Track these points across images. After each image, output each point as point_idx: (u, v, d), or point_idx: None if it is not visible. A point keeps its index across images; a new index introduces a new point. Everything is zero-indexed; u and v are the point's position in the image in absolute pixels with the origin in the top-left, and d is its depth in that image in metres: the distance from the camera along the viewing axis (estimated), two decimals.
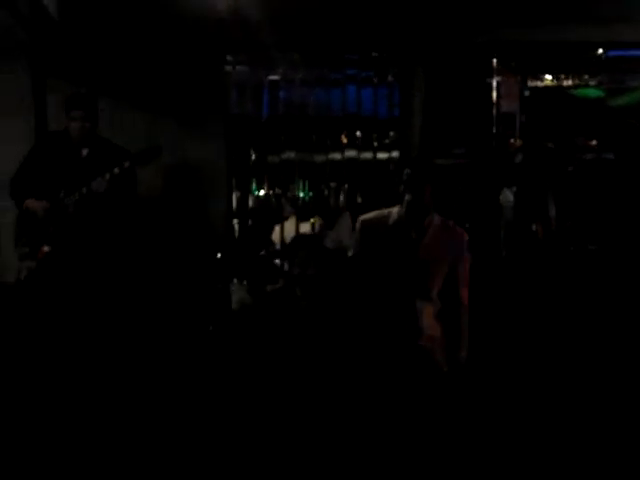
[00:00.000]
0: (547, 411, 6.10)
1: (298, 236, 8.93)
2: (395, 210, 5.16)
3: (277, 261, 8.79)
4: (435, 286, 5.12)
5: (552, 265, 7.70)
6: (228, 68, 9.11)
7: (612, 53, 9.19)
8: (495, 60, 9.17)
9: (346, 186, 9.52)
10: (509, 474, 5.36)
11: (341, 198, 9.54)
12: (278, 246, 9.21)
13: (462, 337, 5.14)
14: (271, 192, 9.56)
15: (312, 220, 9.31)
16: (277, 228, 9.23)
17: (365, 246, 5.19)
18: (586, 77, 9.53)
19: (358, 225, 5.24)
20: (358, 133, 9.48)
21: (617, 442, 5.64)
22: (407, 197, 5.04)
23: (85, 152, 6.97)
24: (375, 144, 9.48)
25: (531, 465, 5.42)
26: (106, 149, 7.04)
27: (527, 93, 9.43)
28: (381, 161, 9.45)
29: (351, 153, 9.50)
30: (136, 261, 7.55)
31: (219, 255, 8.23)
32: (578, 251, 7.93)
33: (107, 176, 6.70)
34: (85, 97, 7.09)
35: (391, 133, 9.45)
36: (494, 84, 9.25)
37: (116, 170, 6.71)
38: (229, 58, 9.08)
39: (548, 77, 9.49)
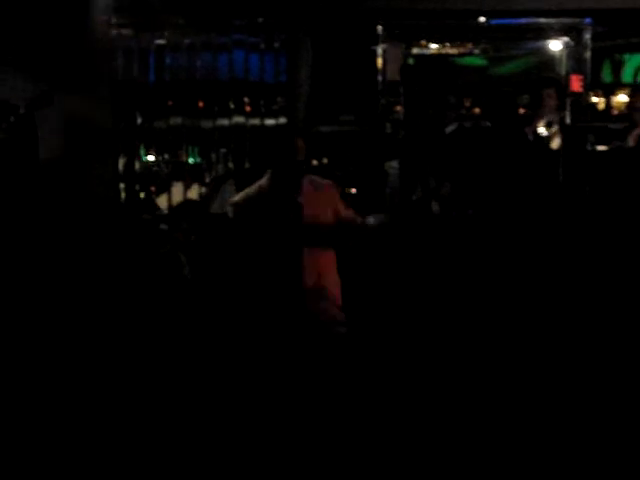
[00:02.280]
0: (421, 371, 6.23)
1: (184, 202, 8.90)
2: (263, 181, 5.18)
3: (163, 226, 8.75)
4: (325, 240, 5.17)
5: (433, 230, 7.84)
6: (113, 31, 8.98)
7: (495, 22, 9.35)
8: (380, 27, 9.25)
9: (234, 152, 9.50)
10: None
11: (229, 164, 9.52)
12: (165, 211, 9.17)
13: None
14: (159, 157, 9.48)
15: (198, 186, 9.29)
16: (164, 195, 9.19)
17: (244, 224, 5.19)
18: (470, 45, 9.67)
19: (230, 209, 5.24)
20: (245, 99, 9.46)
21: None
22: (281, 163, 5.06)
23: None
24: (263, 110, 9.48)
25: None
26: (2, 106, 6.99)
27: (411, 61, 9.54)
28: (269, 127, 9.45)
29: (239, 119, 9.48)
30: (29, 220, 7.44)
31: None
32: (458, 217, 8.08)
33: (3, 125, 6.62)
34: None
35: (279, 99, 9.46)
36: (379, 52, 9.34)
37: (12, 118, 6.65)
38: (114, 21, 8.94)
39: (433, 45, 9.61)
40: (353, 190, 7.70)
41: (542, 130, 7.52)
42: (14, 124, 6.67)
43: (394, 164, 8.93)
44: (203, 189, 9.26)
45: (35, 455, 5.22)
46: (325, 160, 9.09)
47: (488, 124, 8.52)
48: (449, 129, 8.39)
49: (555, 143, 7.72)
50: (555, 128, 7.76)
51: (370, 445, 5.24)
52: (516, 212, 7.75)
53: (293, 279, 5.09)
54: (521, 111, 8.79)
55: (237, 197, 5.31)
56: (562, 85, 8.49)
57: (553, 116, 7.82)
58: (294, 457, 4.90)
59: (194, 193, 9.29)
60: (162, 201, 9.18)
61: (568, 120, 8.78)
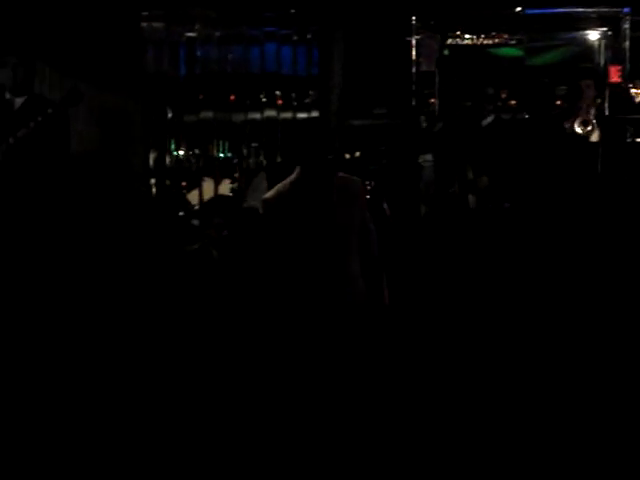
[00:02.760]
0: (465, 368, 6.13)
1: (216, 197, 8.82)
2: (293, 177, 5.08)
3: (195, 222, 8.68)
4: (353, 242, 5.09)
5: (470, 223, 7.73)
6: (144, 25, 8.91)
7: (531, 11, 9.19)
8: (414, 18, 9.12)
9: (266, 146, 9.40)
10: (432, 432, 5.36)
11: (261, 158, 9.43)
12: (197, 207, 9.10)
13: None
14: (190, 152, 9.40)
15: (230, 181, 9.21)
16: (195, 190, 9.12)
17: (276, 221, 5.11)
18: (505, 36, 9.52)
19: (263, 206, 5.15)
20: (277, 92, 9.36)
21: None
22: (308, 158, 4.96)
23: (18, 102, 6.87)
24: (295, 103, 9.37)
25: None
26: (37, 100, 6.96)
27: (446, 52, 9.40)
28: (301, 120, 9.35)
29: (270, 112, 9.38)
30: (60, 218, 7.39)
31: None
32: (495, 209, 7.96)
33: (31, 124, 6.65)
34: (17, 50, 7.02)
35: (311, 92, 9.35)
36: (413, 43, 9.21)
37: (39, 118, 6.65)
38: (145, 14, 8.87)
39: (467, 36, 9.46)
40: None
41: (579, 130, 7.38)
42: (47, 118, 6.67)
43: (428, 157, 8.81)
44: (234, 184, 9.17)
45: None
46: (358, 154, 8.96)
47: (526, 116, 8.37)
48: (486, 121, 8.25)
49: (594, 136, 7.57)
50: (593, 122, 7.60)
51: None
52: (553, 204, 7.62)
53: (322, 275, 5.01)
54: (559, 102, 8.66)
55: (268, 194, 5.20)
56: (600, 76, 8.32)
57: (592, 108, 7.67)
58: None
59: (225, 188, 9.21)
60: (193, 196, 9.11)
61: (607, 112, 8.62)
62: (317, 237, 4.96)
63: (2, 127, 6.76)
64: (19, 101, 6.93)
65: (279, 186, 5.13)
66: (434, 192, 8.26)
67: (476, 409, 5.56)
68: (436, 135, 8.38)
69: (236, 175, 9.21)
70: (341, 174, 5.15)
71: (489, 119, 8.05)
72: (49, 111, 6.72)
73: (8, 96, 6.85)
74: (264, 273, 5.22)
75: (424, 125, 8.95)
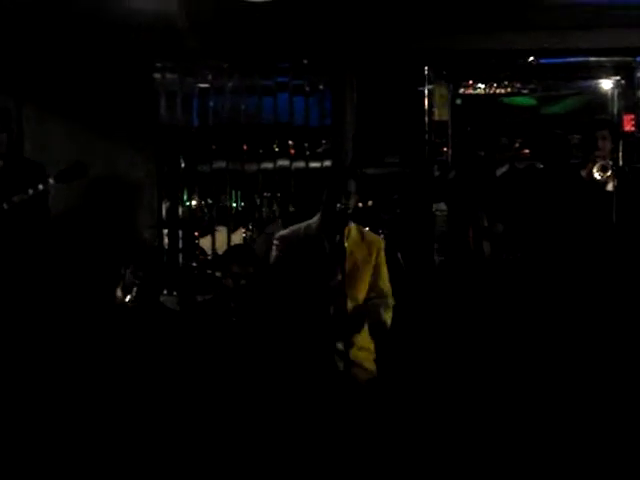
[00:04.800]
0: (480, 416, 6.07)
1: (232, 247, 8.79)
2: (313, 222, 5.09)
3: (209, 272, 8.65)
4: (361, 293, 5.08)
5: (484, 272, 7.67)
6: (157, 76, 8.96)
7: (544, 61, 9.20)
8: (427, 68, 9.14)
9: (279, 195, 9.40)
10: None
11: (274, 208, 9.42)
12: (210, 256, 9.08)
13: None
14: (202, 202, 9.41)
15: (244, 230, 9.21)
16: (208, 238, 9.09)
17: (287, 262, 5.11)
18: (518, 85, 9.53)
19: (277, 242, 5.15)
20: (290, 142, 9.37)
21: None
22: (334, 204, 4.96)
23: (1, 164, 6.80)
24: (307, 153, 9.38)
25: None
26: (20, 163, 6.91)
27: (459, 101, 9.40)
28: (314, 170, 9.35)
29: (283, 162, 9.38)
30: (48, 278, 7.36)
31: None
32: (509, 259, 7.92)
33: (30, 192, 6.58)
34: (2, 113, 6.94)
35: (323, 142, 9.36)
36: (426, 92, 9.22)
37: (40, 187, 6.62)
38: (158, 65, 8.92)
39: (480, 85, 9.47)
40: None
41: (597, 175, 7.33)
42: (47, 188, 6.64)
43: (442, 206, 8.79)
44: (248, 233, 9.16)
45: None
46: (370, 203, 8.95)
47: (540, 165, 8.34)
48: (500, 171, 8.22)
49: (611, 185, 7.53)
50: (610, 171, 7.57)
51: None
52: (568, 255, 7.57)
53: (334, 322, 5.00)
54: (574, 152, 8.64)
55: (284, 231, 5.21)
56: (614, 125, 8.29)
57: (608, 158, 7.65)
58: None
59: (238, 237, 9.20)
60: (206, 245, 9.09)
61: (620, 161, 8.60)
62: (320, 279, 4.96)
63: None
64: None
65: (297, 226, 5.16)
66: (448, 241, 8.22)
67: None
68: (449, 183, 8.35)
69: (249, 225, 9.21)
70: (365, 229, 5.16)
71: (504, 169, 8.02)
72: (51, 181, 6.66)
73: None
74: (278, 317, 5.21)
75: (437, 174, 8.94)
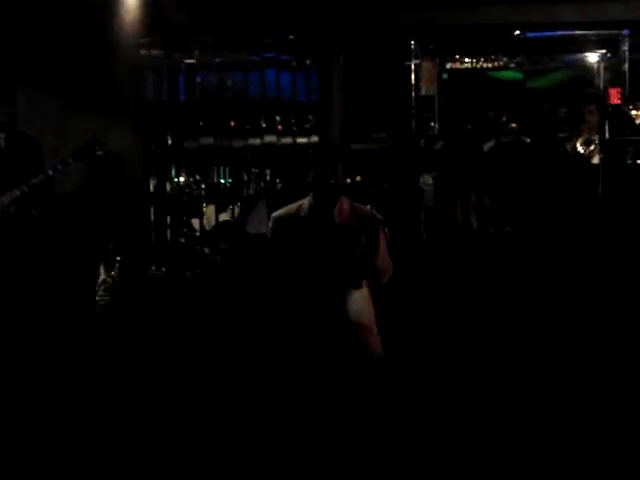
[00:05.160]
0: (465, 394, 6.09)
1: (223, 222, 8.81)
2: (305, 201, 5.10)
3: (197, 247, 8.65)
4: (356, 269, 5.07)
5: (471, 246, 7.69)
6: (143, 52, 8.92)
7: (529, 35, 9.20)
8: (413, 42, 9.13)
9: (266, 172, 9.40)
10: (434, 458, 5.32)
11: (261, 184, 9.42)
12: (198, 232, 9.08)
13: None
14: (190, 178, 9.40)
15: (230, 207, 9.21)
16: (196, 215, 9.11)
17: (282, 242, 5.12)
18: (505, 59, 9.54)
19: (271, 223, 5.16)
20: (277, 117, 9.36)
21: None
22: (321, 182, 4.96)
23: (2, 140, 6.78)
24: (294, 129, 9.38)
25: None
26: (19, 137, 6.89)
27: (446, 76, 9.42)
28: (301, 145, 9.35)
29: (270, 138, 9.38)
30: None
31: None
32: (496, 233, 7.95)
33: (50, 172, 6.58)
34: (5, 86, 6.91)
35: (310, 117, 9.35)
36: (413, 67, 9.22)
37: (59, 167, 6.61)
38: (144, 41, 8.88)
39: (467, 60, 9.48)
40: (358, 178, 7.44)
41: (581, 149, 7.36)
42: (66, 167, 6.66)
43: (428, 180, 8.80)
44: (235, 210, 9.16)
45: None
46: (358, 178, 8.96)
47: (527, 140, 8.34)
48: (488, 145, 8.22)
49: (596, 158, 7.56)
50: (594, 145, 7.60)
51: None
52: (555, 227, 7.60)
53: (328, 299, 5.00)
54: (561, 126, 8.66)
55: (278, 211, 5.21)
56: (602, 100, 8.31)
57: (594, 132, 7.66)
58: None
59: (226, 214, 9.20)
60: (194, 223, 9.10)
61: (607, 134, 8.61)
62: (318, 259, 4.97)
63: None
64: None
65: (290, 206, 5.16)
66: (435, 215, 8.23)
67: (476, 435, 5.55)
68: (436, 154, 8.34)
69: (237, 201, 9.21)
70: (353, 202, 5.16)
71: (491, 143, 8.02)
72: (69, 160, 6.67)
73: None
74: (269, 290, 5.22)
75: (423, 145, 8.91)
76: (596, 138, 7.55)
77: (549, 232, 7.62)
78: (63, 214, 7.77)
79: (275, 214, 5.20)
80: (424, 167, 8.76)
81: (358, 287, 5.05)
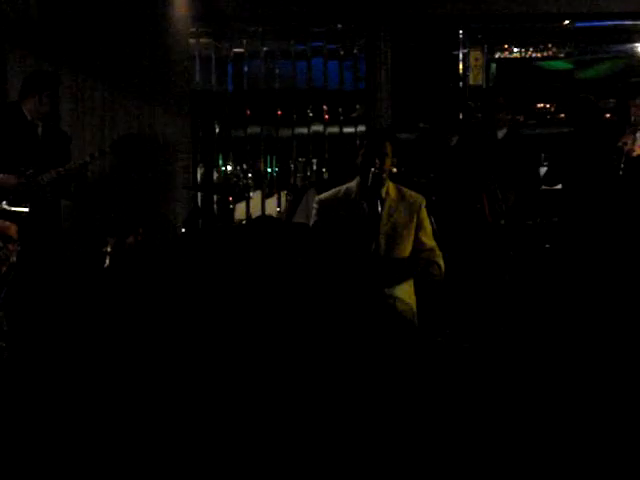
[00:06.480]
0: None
1: (261, 216, 8.85)
2: (352, 184, 5.12)
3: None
4: (405, 252, 5.10)
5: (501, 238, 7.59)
6: (192, 40, 8.98)
7: (580, 24, 9.14)
8: (461, 32, 9.09)
9: (313, 161, 9.41)
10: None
11: (308, 173, 9.44)
12: (244, 221, 9.12)
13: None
14: (237, 167, 9.45)
15: (276, 196, 9.24)
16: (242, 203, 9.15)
17: (327, 224, 5.14)
18: (554, 49, 9.45)
19: (316, 206, 5.18)
20: (324, 107, 9.37)
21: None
22: (369, 166, 4.98)
23: (40, 129, 6.88)
24: (341, 118, 9.38)
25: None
26: (53, 128, 7.03)
27: (494, 66, 9.35)
28: (348, 135, 9.36)
29: (317, 127, 9.40)
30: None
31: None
32: (539, 224, 7.87)
33: (88, 158, 6.78)
34: (51, 77, 7.00)
35: (357, 106, 9.35)
36: (461, 56, 9.18)
37: (96, 154, 6.86)
38: (193, 30, 8.94)
39: (515, 49, 9.41)
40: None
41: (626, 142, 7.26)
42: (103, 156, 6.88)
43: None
44: (282, 199, 9.20)
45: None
46: (404, 168, 8.93)
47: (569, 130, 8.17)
48: (501, 133, 7.91)
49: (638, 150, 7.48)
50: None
51: None
52: (599, 221, 7.52)
53: (369, 283, 5.02)
54: (608, 116, 8.59)
55: (324, 194, 5.24)
56: None
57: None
58: None
59: (272, 203, 9.25)
60: (240, 211, 9.14)
61: None
62: (361, 242, 4.99)
63: (31, 152, 6.76)
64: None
65: (336, 189, 5.18)
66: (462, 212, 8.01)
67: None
68: (452, 150, 8.18)
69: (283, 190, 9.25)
70: (405, 188, 5.17)
71: (504, 131, 7.82)
72: (107, 150, 6.94)
73: (29, 118, 6.79)
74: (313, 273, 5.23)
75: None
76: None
77: (586, 224, 7.52)
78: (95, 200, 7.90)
79: (321, 196, 5.24)
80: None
81: (405, 273, 5.08)
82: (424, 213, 5.20)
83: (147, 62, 8.52)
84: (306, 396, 5.23)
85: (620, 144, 7.13)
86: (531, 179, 7.85)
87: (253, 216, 8.82)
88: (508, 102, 7.81)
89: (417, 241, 5.17)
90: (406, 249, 5.15)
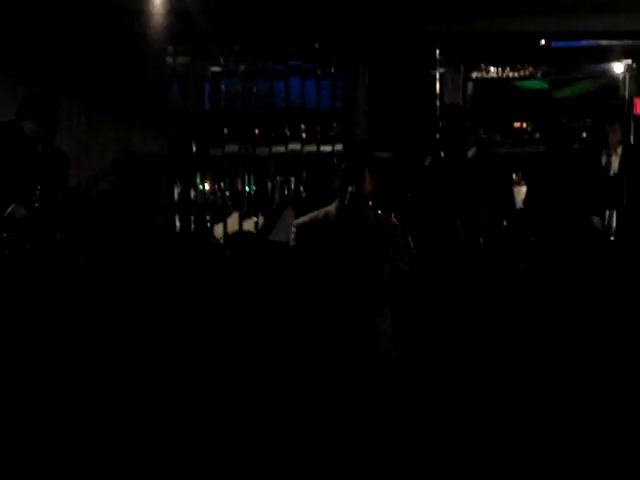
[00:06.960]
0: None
1: (239, 233, 8.84)
2: (331, 208, 5.10)
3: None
4: (379, 279, 5.08)
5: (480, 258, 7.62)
6: (169, 60, 8.97)
7: (556, 44, 9.19)
8: (438, 52, 9.14)
9: (291, 179, 9.41)
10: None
11: (286, 192, 9.44)
12: (221, 241, 9.11)
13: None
14: (215, 186, 9.43)
15: (253, 215, 9.24)
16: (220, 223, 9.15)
17: (305, 249, 5.11)
18: (530, 69, 9.52)
19: (294, 230, 5.15)
20: (302, 125, 9.38)
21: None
22: (348, 189, 4.96)
23: (40, 148, 6.89)
24: (319, 136, 9.40)
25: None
26: (52, 146, 7.02)
27: (471, 85, 9.40)
28: (325, 153, 9.37)
29: (295, 146, 9.40)
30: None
31: None
32: (515, 243, 7.91)
33: (91, 180, 6.82)
34: (53, 99, 7.02)
35: (334, 125, 9.37)
36: (437, 76, 9.22)
37: (100, 175, 6.88)
38: (170, 49, 8.94)
39: (492, 69, 9.47)
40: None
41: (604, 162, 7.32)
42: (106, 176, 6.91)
43: None
44: (260, 218, 9.19)
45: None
46: (381, 187, 8.93)
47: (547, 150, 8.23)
48: (470, 152, 7.96)
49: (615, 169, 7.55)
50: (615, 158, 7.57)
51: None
52: (576, 238, 7.56)
53: (347, 308, 5.00)
54: (583, 135, 8.66)
55: (302, 218, 5.21)
56: (625, 109, 8.29)
57: (616, 149, 7.66)
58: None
59: (250, 222, 9.23)
60: (218, 230, 9.13)
61: (632, 141, 8.60)
62: (340, 268, 4.97)
63: (31, 172, 6.76)
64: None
65: (315, 213, 5.15)
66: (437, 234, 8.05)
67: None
68: (425, 170, 8.19)
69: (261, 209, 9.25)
70: (378, 212, 5.17)
71: (472, 151, 7.87)
72: (110, 170, 6.95)
73: (30, 137, 6.80)
74: (292, 297, 5.22)
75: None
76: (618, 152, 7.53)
77: (562, 243, 7.56)
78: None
79: (299, 221, 5.20)
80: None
81: (382, 299, 5.06)
82: (400, 239, 5.20)
83: (124, 82, 8.52)
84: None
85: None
86: (504, 198, 7.89)
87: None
88: (478, 123, 7.87)
89: (394, 267, 5.16)
90: (379, 275, 5.15)
